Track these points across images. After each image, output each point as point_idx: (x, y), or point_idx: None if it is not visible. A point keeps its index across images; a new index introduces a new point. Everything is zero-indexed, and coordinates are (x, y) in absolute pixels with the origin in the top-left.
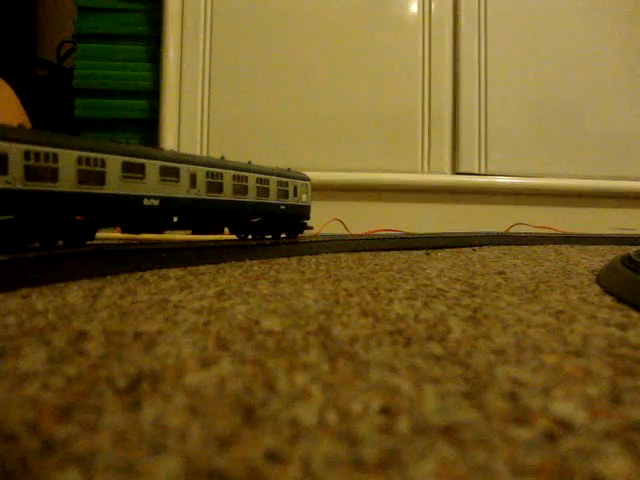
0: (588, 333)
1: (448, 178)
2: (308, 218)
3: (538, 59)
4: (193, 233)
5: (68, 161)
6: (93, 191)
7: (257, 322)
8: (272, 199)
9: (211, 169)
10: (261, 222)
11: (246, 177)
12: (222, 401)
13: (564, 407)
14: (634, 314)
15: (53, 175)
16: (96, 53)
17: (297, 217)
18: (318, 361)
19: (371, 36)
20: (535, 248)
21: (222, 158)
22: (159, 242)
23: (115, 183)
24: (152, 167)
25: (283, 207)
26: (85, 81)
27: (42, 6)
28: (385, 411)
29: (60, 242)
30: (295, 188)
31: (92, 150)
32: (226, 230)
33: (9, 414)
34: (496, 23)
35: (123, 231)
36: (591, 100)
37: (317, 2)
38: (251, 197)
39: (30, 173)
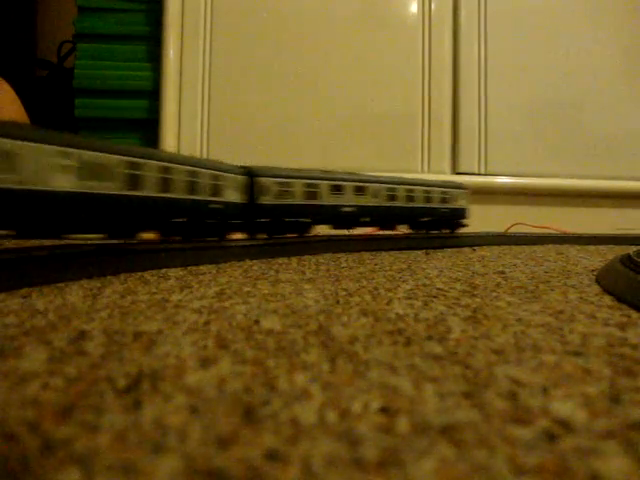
0: (588, 333)
1: (448, 178)
2: (464, 217)
3: (538, 59)
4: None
5: (299, 186)
6: (314, 202)
7: (257, 322)
8: (435, 204)
9: (390, 185)
10: (429, 221)
11: (413, 189)
12: (222, 401)
13: (564, 407)
14: (634, 314)
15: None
16: (96, 53)
17: (454, 217)
18: (318, 361)
19: (371, 36)
20: (535, 248)
21: (398, 177)
22: (159, 242)
23: (326, 197)
24: (349, 186)
25: (444, 210)
26: (85, 81)
27: (42, 6)
28: (385, 411)
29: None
30: (453, 195)
31: (314, 178)
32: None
33: (9, 414)
34: (496, 23)
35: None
36: (591, 100)
37: (317, 2)
38: (419, 204)
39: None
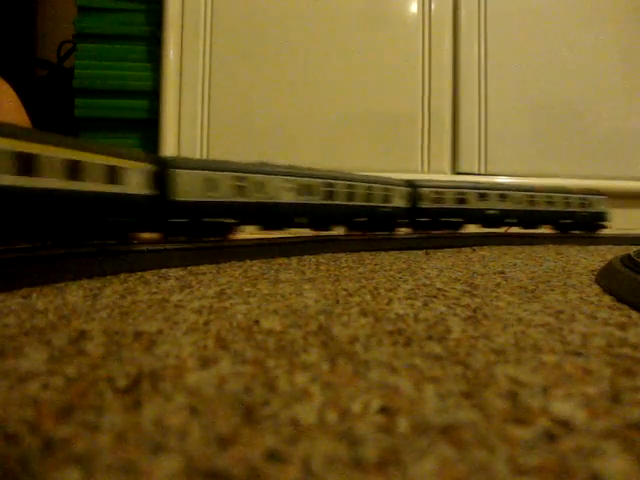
0: (588, 333)
1: (448, 178)
2: (604, 220)
3: (538, 59)
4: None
5: (451, 194)
6: (464, 206)
7: (257, 322)
8: (574, 209)
9: (530, 193)
10: (571, 223)
11: (552, 196)
12: (222, 401)
13: (564, 407)
14: (634, 314)
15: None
16: (96, 53)
17: (594, 220)
18: (318, 361)
19: (371, 36)
20: (535, 248)
21: (533, 187)
22: (159, 242)
23: (474, 202)
24: (493, 194)
25: (584, 214)
26: (85, 81)
27: (42, 6)
28: (385, 411)
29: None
30: (592, 201)
31: (464, 188)
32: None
33: (9, 414)
34: (496, 23)
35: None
36: (591, 100)
37: (317, 2)
38: (559, 208)
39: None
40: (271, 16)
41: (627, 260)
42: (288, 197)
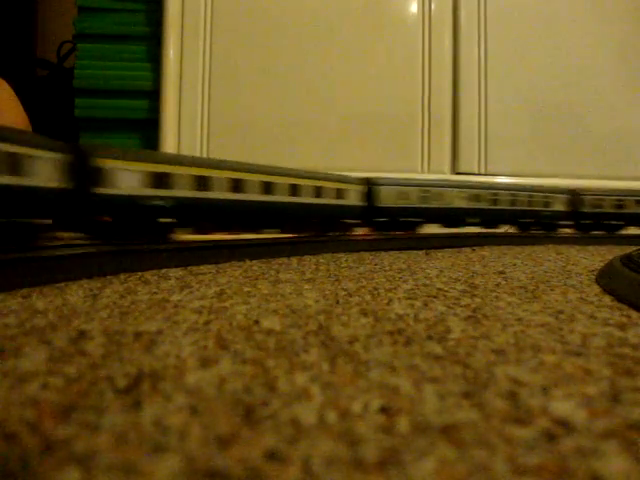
0: (588, 333)
1: (448, 178)
2: None
3: (538, 59)
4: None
5: (610, 200)
6: (623, 211)
7: (257, 322)
8: None
9: None
10: None
11: None
12: (222, 401)
13: (564, 407)
14: (634, 314)
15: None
16: (96, 53)
17: None
18: (318, 361)
19: (371, 36)
20: (535, 248)
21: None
22: (159, 242)
23: (633, 207)
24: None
25: None
26: (85, 81)
27: (42, 6)
28: (385, 411)
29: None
30: None
31: (622, 195)
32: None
33: (9, 414)
34: (496, 23)
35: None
36: (591, 100)
37: (317, 2)
38: None
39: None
40: (271, 16)
41: (627, 260)
42: (461, 203)
